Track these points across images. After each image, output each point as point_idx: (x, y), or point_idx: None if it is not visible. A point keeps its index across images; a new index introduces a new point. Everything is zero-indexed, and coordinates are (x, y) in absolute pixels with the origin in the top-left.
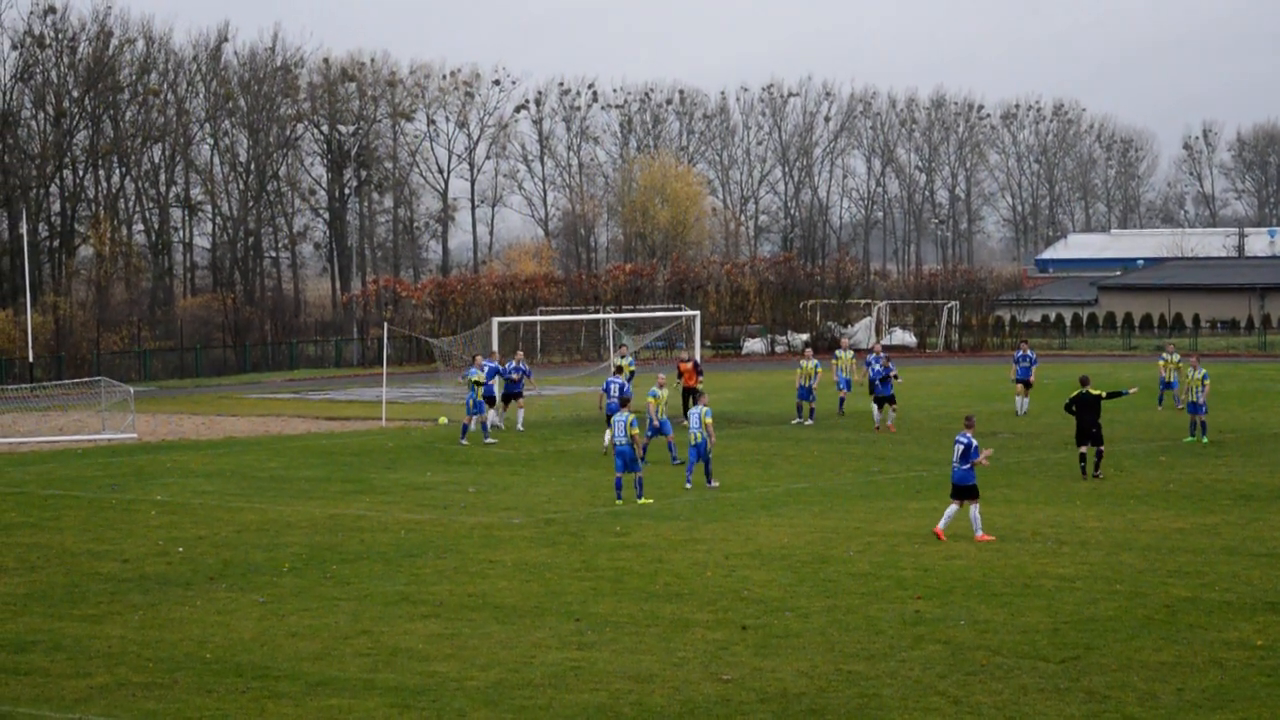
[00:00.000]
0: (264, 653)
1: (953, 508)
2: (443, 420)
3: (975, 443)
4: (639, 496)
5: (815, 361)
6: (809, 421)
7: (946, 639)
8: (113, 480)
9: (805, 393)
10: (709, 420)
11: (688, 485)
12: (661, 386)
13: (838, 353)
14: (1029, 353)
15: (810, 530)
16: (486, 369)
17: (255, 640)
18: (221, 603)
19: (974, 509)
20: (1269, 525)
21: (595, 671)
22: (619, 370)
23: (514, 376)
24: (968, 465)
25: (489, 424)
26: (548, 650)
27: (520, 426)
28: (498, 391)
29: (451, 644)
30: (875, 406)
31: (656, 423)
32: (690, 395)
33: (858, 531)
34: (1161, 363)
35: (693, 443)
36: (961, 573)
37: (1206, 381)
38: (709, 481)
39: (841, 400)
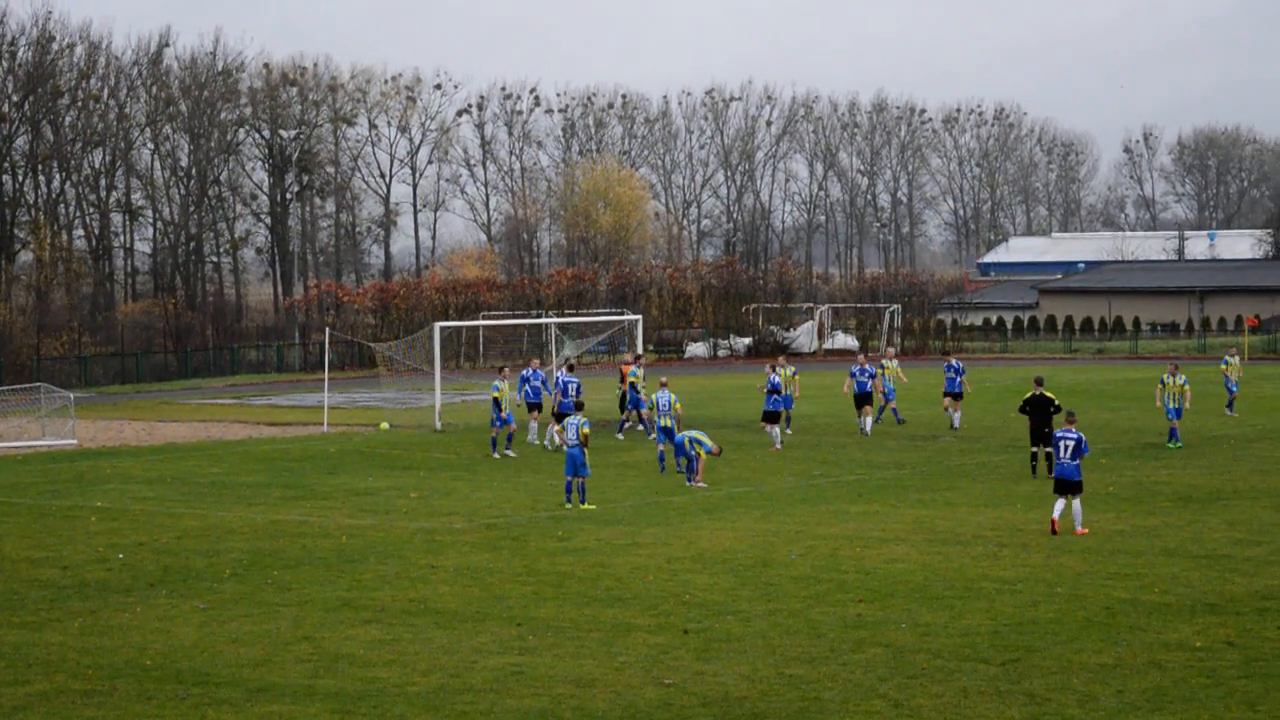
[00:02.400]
0: (204, 659)
1: (1061, 503)
2: (384, 426)
3: (1084, 438)
4: (582, 501)
5: (792, 368)
6: (788, 431)
7: (888, 642)
8: (53, 487)
9: (787, 401)
10: (679, 406)
11: (690, 484)
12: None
13: (884, 362)
14: (955, 362)
15: (752, 534)
16: (534, 378)
17: (196, 647)
18: (162, 609)
19: (1077, 503)
20: (1208, 527)
21: (537, 676)
22: (571, 368)
23: (538, 384)
24: (1077, 460)
25: (540, 439)
26: (489, 655)
27: (536, 441)
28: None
29: (393, 649)
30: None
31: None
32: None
33: (799, 535)
34: (1224, 366)
35: (663, 425)
36: (903, 576)
37: (1188, 388)
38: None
39: (895, 409)
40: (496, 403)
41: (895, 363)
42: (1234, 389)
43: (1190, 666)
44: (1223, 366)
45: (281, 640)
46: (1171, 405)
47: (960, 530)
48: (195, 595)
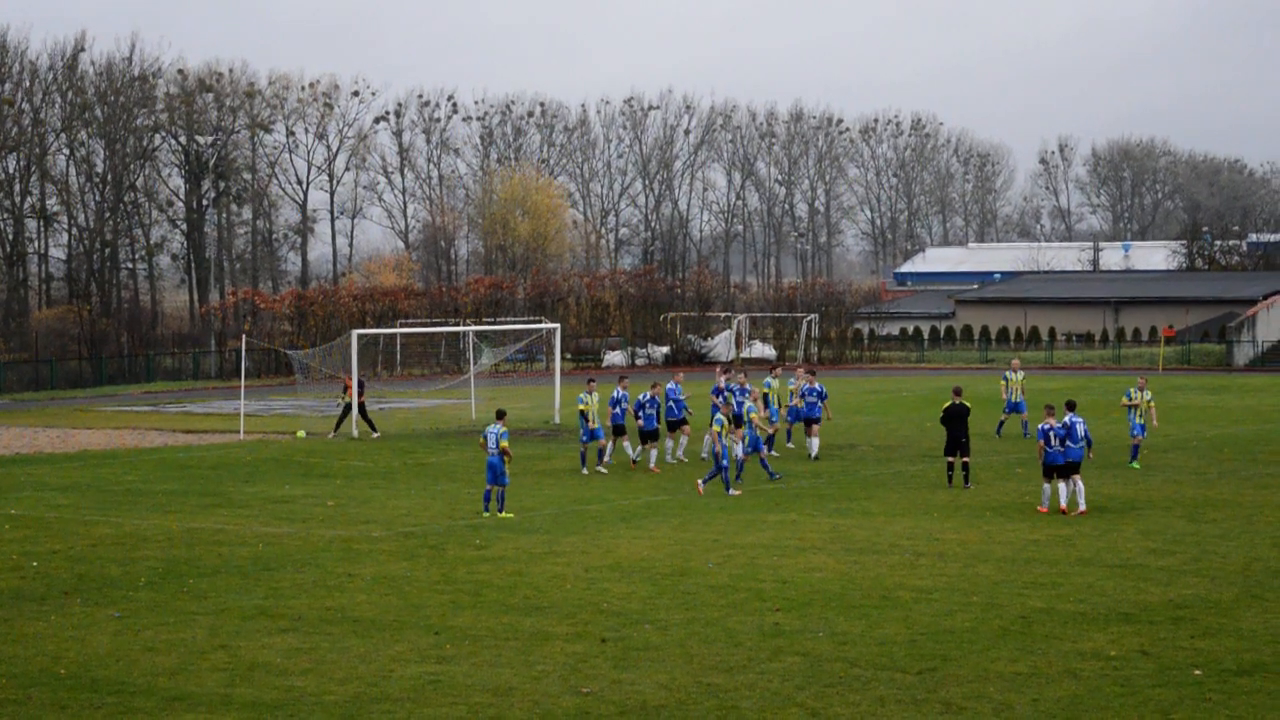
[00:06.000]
0: (119, 668)
1: (1063, 484)
2: (301, 434)
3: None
4: (500, 510)
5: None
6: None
7: (805, 651)
8: None
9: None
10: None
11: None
12: (755, 400)
13: (1007, 374)
14: (818, 385)
15: (670, 542)
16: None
17: (110, 655)
18: (76, 618)
19: (1081, 483)
20: (1123, 537)
21: (454, 685)
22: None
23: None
24: (1081, 444)
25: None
26: (406, 664)
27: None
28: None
29: (309, 658)
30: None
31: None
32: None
33: (717, 544)
34: None
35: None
36: (820, 585)
37: (1153, 404)
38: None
39: (1026, 421)
40: (583, 416)
41: (1021, 374)
42: None
43: (1105, 675)
44: None
45: (197, 649)
46: (1138, 421)
47: (877, 539)
48: (110, 604)
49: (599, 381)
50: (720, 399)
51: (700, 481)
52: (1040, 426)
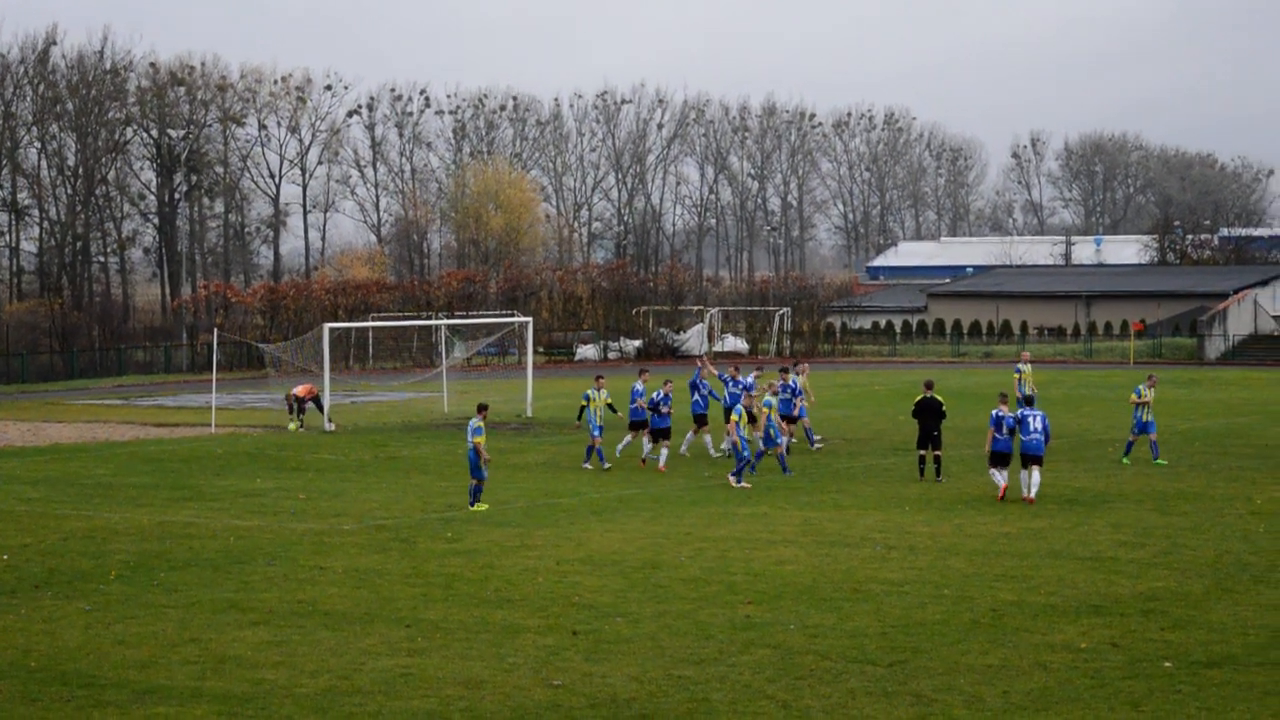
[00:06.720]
0: (90, 661)
1: (1023, 473)
2: (292, 427)
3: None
4: (473, 504)
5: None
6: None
7: (776, 643)
8: None
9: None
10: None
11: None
12: (775, 394)
13: (1019, 367)
14: (791, 382)
15: (641, 536)
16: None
17: (81, 648)
18: (47, 611)
19: (1038, 474)
20: (1093, 529)
21: (426, 678)
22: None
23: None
24: (1032, 436)
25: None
26: (378, 657)
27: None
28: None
29: (280, 651)
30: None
31: (772, 432)
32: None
33: (688, 537)
34: None
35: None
36: (791, 578)
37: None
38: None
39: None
40: (583, 410)
41: (1029, 368)
42: None
43: (1075, 667)
44: None
45: (168, 642)
46: (1145, 418)
47: (848, 532)
48: (81, 597)
49: (608, 377)
50: (736, 387)
51: (731, 477)
52: (993, 413)
